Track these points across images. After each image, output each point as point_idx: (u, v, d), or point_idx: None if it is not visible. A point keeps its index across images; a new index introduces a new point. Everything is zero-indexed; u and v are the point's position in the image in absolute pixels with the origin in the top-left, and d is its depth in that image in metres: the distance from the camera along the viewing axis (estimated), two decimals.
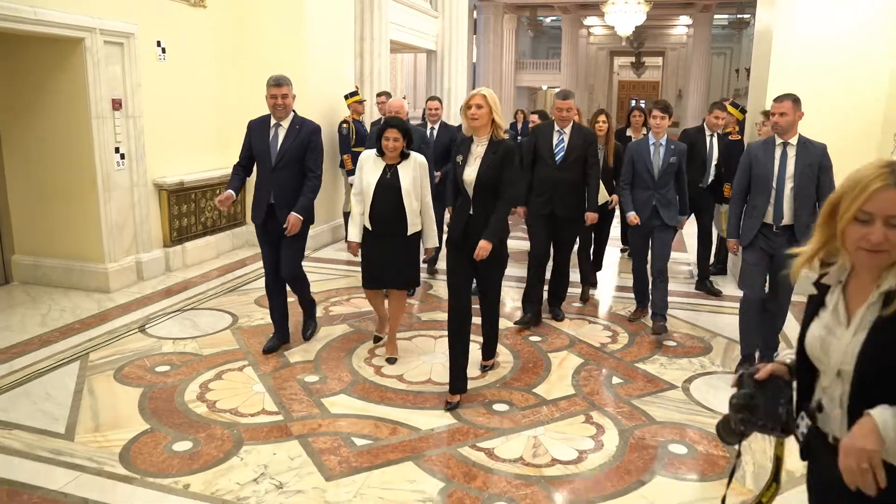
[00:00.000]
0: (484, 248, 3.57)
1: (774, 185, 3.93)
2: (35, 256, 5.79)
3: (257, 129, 4.30)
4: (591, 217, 4.98)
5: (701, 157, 5.90)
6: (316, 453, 3.16)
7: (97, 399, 3.69)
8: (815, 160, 3.90)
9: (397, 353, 4.38)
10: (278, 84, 4.12)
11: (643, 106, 8.75)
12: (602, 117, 5.65)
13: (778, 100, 3.91)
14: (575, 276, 5.59)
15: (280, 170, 4.19)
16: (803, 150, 3.92)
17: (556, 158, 4.88)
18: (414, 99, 21.57)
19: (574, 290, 5.58)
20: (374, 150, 4.13)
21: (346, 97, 7.38)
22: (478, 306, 3.97)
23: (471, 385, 3.84)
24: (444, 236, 4.17)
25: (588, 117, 6.52)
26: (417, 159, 4.12)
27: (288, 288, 4.47)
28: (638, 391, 3.91)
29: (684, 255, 7.29)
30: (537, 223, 4.94)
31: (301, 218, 4.20)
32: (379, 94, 7.58)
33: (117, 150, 5.64)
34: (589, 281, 5.81)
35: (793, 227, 3.91)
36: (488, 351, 4.20)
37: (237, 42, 7.02)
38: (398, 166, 4.06)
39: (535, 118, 7.63)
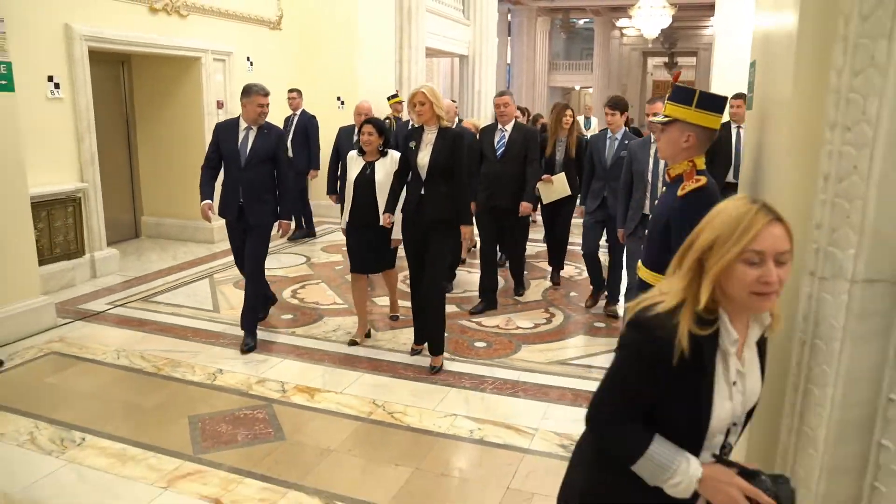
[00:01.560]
0: (466, 232, 4.24)
1: (649, 179, 4.38)
2: (158, 217, 7.99)
3: (225, 132, 4.64)
4: (524, 206, 5.44)
5: (727, 150, 6.09)
6: (370, 322, 5.19)
7: (227, 296, 5.81)
8: None
9: (398, 310, 5.27)
10: (266, 94, 4.54)
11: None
12: (568, 111, 6.04)
13: (651, 102, 4.66)
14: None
15: (249, 170, 4.53)
16: None
17: (497, 153, 5.36)
18: (460, 101, 23.56)
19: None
20: (356, 151, 4.72)
21: (389, 98, 9.42)
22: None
23: (468, 294, 5.82)
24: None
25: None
26: (394, 156, 4.56)
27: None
28: (584, 300, 5.84)
29: None
30: (484, 218, 5.45)
31: (292, 223, 4.78)
32: (290, 91, 8.01)
33: None
34: (557, 265, 6.38)
35: None
36: (435, 346, 4.35)
37: (305, 55, 9.15)
38: (376, 163, 4.56)
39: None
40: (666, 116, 2.42)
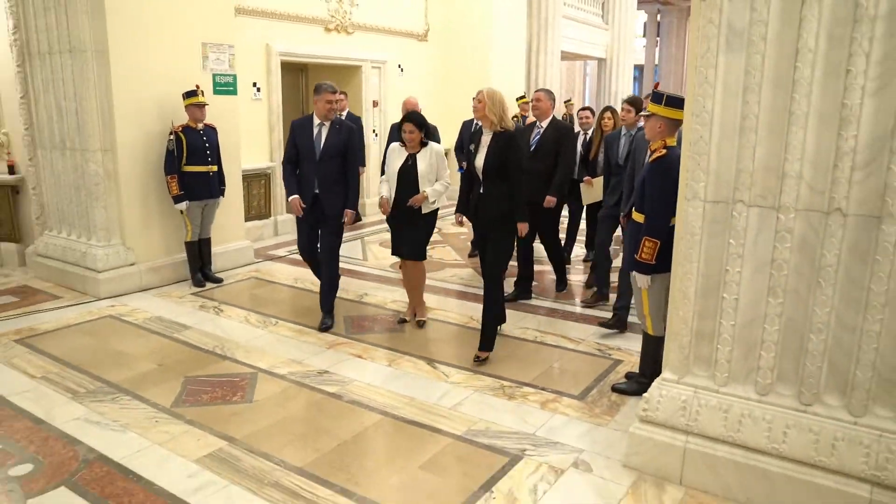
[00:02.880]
0: (522, 228, 4.49)
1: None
2: None
3: (301, 128, 5.02)
4: (548, 200, 5.58)
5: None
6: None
7: (373, 251, 7.64)
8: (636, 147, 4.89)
9: (426, 314, 5.29)
10: (334, 91, 4.94)
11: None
12: (608, 114, 6.22)
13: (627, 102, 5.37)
14: None
15: (323, 163, 4.91)
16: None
17: (532, 148, 5.61)
18: (597, 102, 24.54)
19: None
20: (398, 143, 4.96)
21: (517, 99, 10.94)
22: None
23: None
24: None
25: None
26: (434, 148, 4.86)
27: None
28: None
29: None
30: None
31: (356, 212, 5.13)
32: (339, 93, 8.50)
33: (374, 131, 9.71)
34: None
35: None
36: (485, 341, 4.58)
37: (446, 62, 10.91)
38: (417, 155, 4.82)
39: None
40: (648, 111, 3.77)
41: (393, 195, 4.89)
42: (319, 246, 5.21)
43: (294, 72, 9.60)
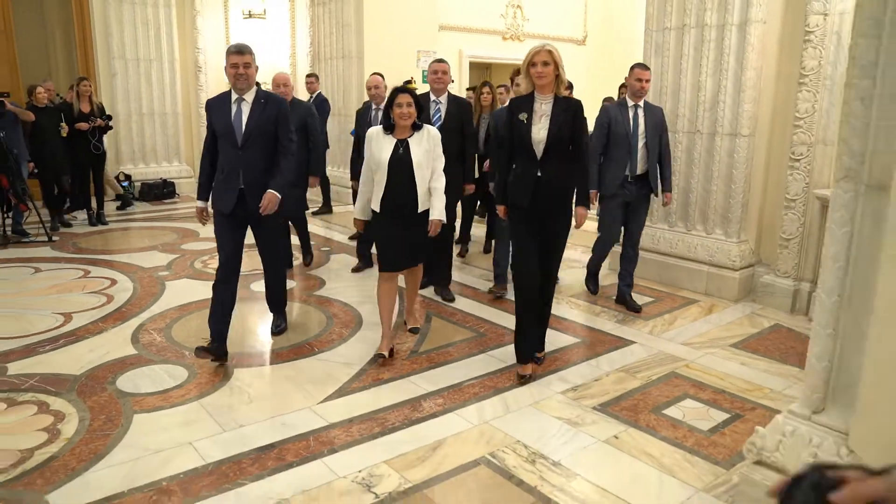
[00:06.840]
0: (581, 215, 3.97)
1: (630, 141, 5.24)
2: None
3: (217, 108, 4.05)
4: (467, 188, 5.67)
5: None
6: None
7: None
8: (658, 120, 5.33)
9: (419, 322, 4.75)
10: (240, 52, 3.88)
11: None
12: (486, 89, 6.50)
13: (642, 67, 5.30)
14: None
15: (248, 149, 3.97)
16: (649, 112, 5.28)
17: (434, 126, 5.08)
18: None
19: None
20: (380, 126, 4.12)
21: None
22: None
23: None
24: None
25: None
26: (430, 132, 4.09)
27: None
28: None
29: None
30: None
31: (279, 196, 4.02)
32: (308, 76, 9.43)
33: None
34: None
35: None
36: (538, 341, 4.18)
37: (599, 63, 14.09)
38: (409, 140, 4.03)
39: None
40: None
41: (380, 191, 4.11)
42: (262, 256, 4.44)
43: (479, 69, 13.40)
